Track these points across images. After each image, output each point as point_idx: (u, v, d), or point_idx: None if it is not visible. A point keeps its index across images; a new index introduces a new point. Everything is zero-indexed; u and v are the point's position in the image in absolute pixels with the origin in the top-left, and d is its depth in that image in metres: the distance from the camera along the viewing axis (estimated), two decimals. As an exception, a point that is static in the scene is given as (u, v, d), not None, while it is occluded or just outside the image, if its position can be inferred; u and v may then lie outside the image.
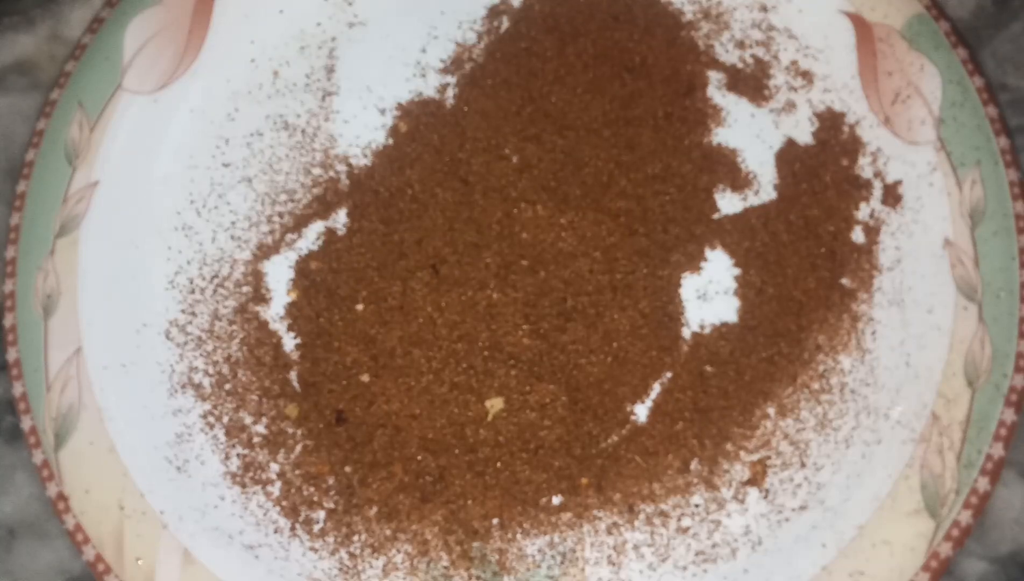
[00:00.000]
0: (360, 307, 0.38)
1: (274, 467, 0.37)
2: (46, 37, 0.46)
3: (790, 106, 0.41)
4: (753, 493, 0.36)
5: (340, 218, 0.41)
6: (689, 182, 0.40)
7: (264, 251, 0.41)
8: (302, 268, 0.40)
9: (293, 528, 0.36)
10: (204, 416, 0.38)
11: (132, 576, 0.35)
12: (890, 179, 0.40)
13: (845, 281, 0.39)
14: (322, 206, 0.41)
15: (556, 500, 0.36)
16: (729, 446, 0.37)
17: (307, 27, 0.45)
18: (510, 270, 0.39)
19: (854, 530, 0.35)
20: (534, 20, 0.43)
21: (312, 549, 0.36)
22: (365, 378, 0.37)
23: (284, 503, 0.37)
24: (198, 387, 0.39)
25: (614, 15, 0.43)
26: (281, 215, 0.41)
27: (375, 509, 0.36)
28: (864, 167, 0.40)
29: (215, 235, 0.41)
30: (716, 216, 0.40)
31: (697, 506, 0.36)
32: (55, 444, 0.37)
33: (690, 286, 0.39)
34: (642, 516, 0.36)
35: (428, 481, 0.36)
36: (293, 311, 0.39)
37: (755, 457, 0.37)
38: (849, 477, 0.36)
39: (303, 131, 0.43)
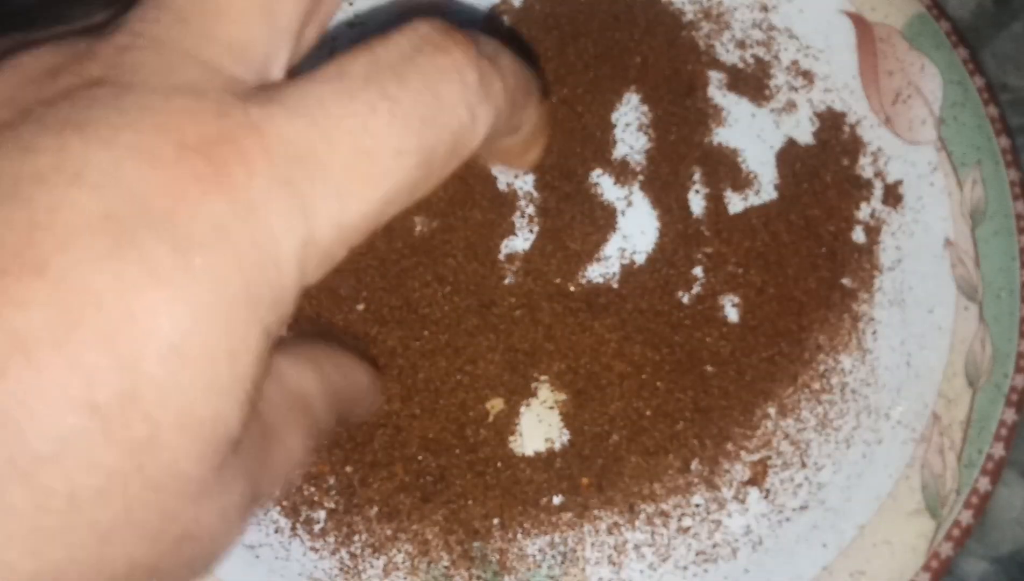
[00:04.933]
0: (360, 307, 0.38)
1: (275, 467, 0.37)
2: (47, 37, 0.46)
3: (791, 106, 0.41)
4: (754, 493, 0.36)
5: (341, 218, 0.41)
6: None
7: (265, 251, 0.41)
8: (303, 268, 0.40)
9: (294, 528, 0.36)
10: (205, 416, 0.38)
11: (133, 576, 0.35)
12: (891, 179, 0.40)
13: (846, 281, 0.39)
14: (323, 206, 0.41)
15: (557, 500, 0.36)
16: (730, 446, 0.37)
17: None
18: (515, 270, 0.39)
19: (855, 530, 0.35)
20: (534, 20, 0.43)
21: (313, 549, 0.36)
22: (365, 378, 0.37)
23: (285, 503, 0.37)
24: (199, 387, 0.39)
25: (614, 15, 0.42)
26: (282, 215, 0.41)
27: (376, 509, 0.36)
28: (865, 167, 0.40)
29: (216, 235, 0.41)
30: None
31: (698, 506, 0.36)
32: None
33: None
34: (643, 516, 0.36)
35: (429, 481, 0.36)
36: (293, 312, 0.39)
37: (756, 457, 0.37)
38: (850, 477, 0.36)
39: (304, 131, 0.43)
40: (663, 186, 0.40)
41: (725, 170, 0.40)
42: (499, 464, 0.36)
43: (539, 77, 0.22)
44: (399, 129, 0.17)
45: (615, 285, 0.39)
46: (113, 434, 0.14)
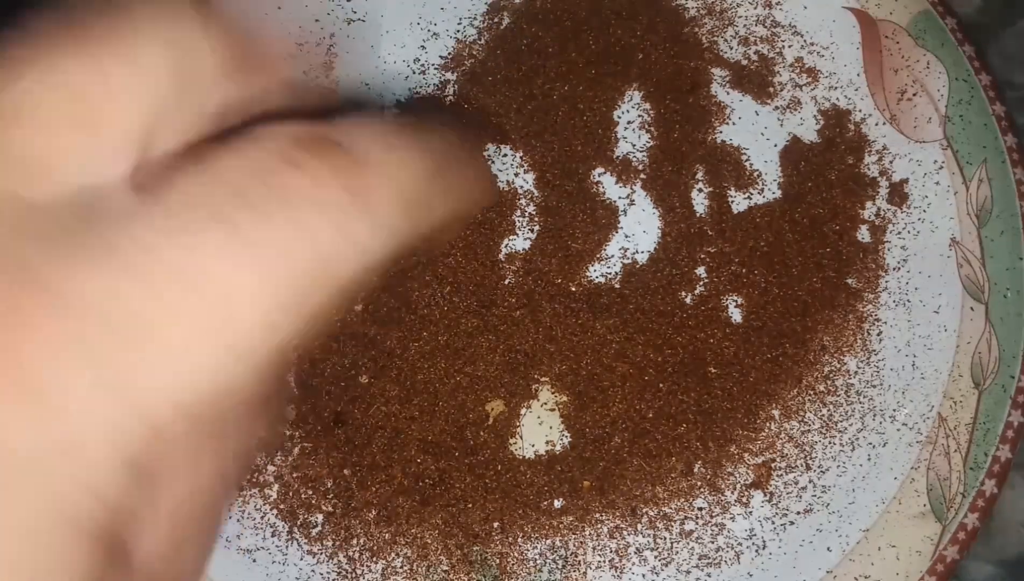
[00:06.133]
0: (359, 307, 0.38)
1: (271, 470, 0.37)
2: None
3: (795, 103, 0.41)
4: (757, 496, 0.36)
5: (339, 217, 0.40)
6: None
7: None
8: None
9: (291, 531, 0.36)
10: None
11: (128, 580, 0.34)
12: (896, 177, 0.39)
13: (851, 281, 0.38)
14: (320, 205, 0.40)
15: (558, 503, 0.36)
16: (733, 448, 0.36)
17: (305, 23, 0.44)
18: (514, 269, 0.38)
19: (859, 534, 0.35)
20: (535, 16, 0.42)
21: (310, 553, 0.36)
22: (364, 379, 0.37)
23: (282, 506, 0.36)
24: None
25: (616, 12, 0.42)
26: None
27: (374, 512, 0.36)
28: (870, 165, 0.40)
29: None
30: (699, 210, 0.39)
31: (701, 509, 0.36)
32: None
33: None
34: (645, 519, 0.36)
35: (428, 484, 0.36)
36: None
37: (759, 460, 0.36)
38: (854, 480, 0.36)
39: (301, 129, 0.42)
40: (665, 185, 0.40)
41: (728, 168, 0.40)
42: (499, 467, 0.36)
43: (476, 133, 0.17)
44: (248, 269, 0.13)
45: (617, 285, 0.38)
46: None
